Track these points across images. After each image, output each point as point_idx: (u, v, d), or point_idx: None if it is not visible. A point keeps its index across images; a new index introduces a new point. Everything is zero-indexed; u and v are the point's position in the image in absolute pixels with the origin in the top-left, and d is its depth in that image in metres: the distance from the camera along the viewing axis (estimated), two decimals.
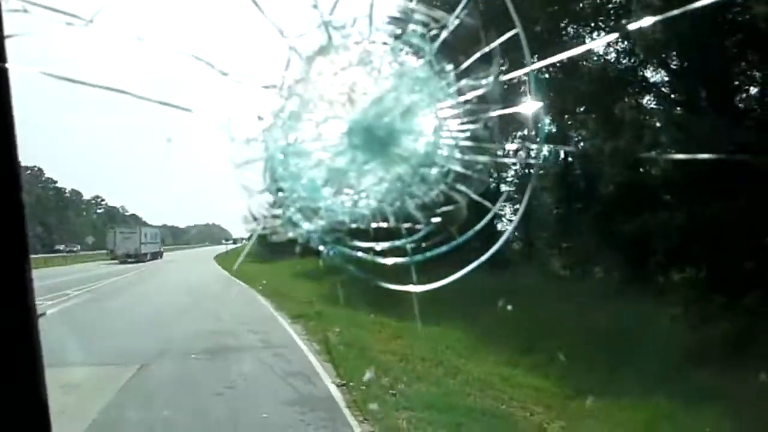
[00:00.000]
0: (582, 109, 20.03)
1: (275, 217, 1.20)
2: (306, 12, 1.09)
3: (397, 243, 1.27)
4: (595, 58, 19.83)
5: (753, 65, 15.94)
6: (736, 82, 16.47)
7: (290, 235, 1.21)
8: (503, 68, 1.15)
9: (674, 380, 12.09)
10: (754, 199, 13.97)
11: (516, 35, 1.13)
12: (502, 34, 1.12)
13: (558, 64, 22.52)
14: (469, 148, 1.18)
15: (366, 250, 1.23)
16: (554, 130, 21.17)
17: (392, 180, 1.19)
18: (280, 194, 1.19)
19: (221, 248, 75.83)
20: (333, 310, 18.82)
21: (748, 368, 11.49)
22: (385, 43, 1.14)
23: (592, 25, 19.45)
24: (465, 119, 1.17)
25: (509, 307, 14.17)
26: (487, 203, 1.23)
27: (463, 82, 1.14)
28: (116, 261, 55.17)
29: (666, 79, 19.16)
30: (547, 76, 21.79)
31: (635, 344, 13.43)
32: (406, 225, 1.24)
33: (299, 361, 12.05)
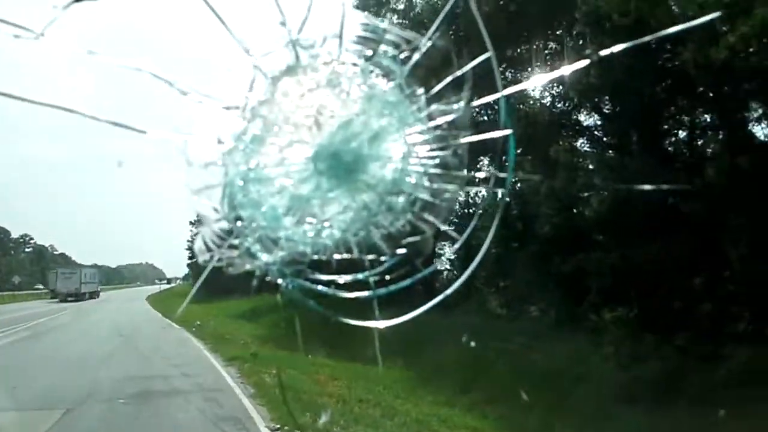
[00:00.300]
0: (519, 150, 20.38)
1: (232, 247, 1.13)
2: (273, 29, 1.03)
3: (360, 276, 1.20)
4: (532, 102, 20.31)
5: (682, 110, 16.51)
6: (666, 126, 17.01)
7: (247, 267, 1.13)
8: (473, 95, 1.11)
9: (607, 419, 12.23)
10: (683, 241, 14.36)
11: (486, 63, 1.09)
12: (474, 58, 1.08)
13: (496, 107, 22.95)
14: (438, 176, 1.13)
15: (327, 284, 1.16)
16: (493, 170, 21.45)
17: (357, 209, 1.13)
18: (239, 223, 1.12)
19: (155, 288, 74.97)
20: (269, 351, 18.54)
21: (679, 406, 11.72)
22: (355, 64, 1.09)
23: (529, 69, 19.94)
24: (434, 145, 1.12)
25: (472, 344, 14.22)
26: (454, 234, 1.18)
27: (434, 106, 1.09)
28: (56, 300, 56.82)
29: (599, 122, 19.71)
30: (485, 118, 22.17)
31: (570, 383, 13.57)
32: (370, 256, 1.17)
33: (232, 405, 11.76)
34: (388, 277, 1.21)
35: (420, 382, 15.44)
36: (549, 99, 20.87)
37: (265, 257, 1.10)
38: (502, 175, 1.13)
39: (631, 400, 13.00)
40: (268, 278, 1.15)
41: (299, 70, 1.05)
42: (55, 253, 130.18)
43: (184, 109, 1.05)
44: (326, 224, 1.12)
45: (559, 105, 20.33)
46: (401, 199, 1.12)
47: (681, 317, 14.69)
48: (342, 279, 1.16)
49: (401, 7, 24.62)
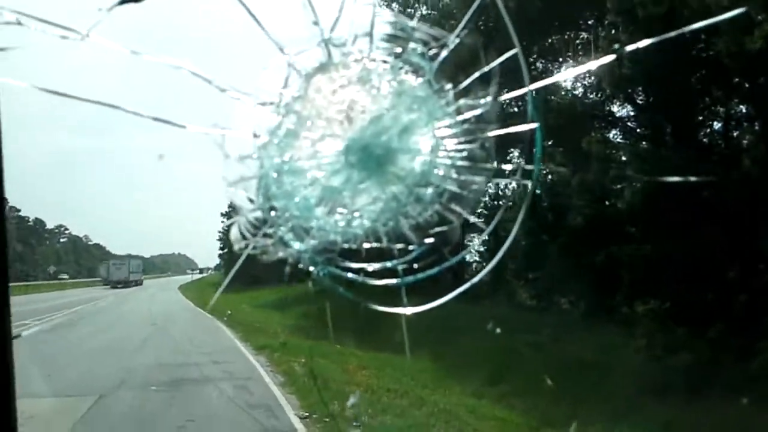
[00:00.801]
0: (550, 142, 20.28)
1: (266, 236, 1.18)
2: (306, 29, 1.07)
3: (388, 264, 1.25)
4: (563, 93, 20.15)
5: (716, 101, 16.29)
6: (700, 118, 16.80)
7: (280, 254, 1.18)
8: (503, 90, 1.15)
9: (638, 411, 12.16)
10: (717, 233, 14.20)
11: (515, 56, 1.12)
12: (501, 54, 1.11)
13: (526, 98, 22.82)
14: (465, 168, 1.17)
15: (357, 272, 1.20)
16: (522, 162, 21.37)
17: (387, 200, 1.17)
18: (273, 213, 1.17)
19: (186, 278, 76.76)
20: (299, 340, 18.67)
21: (711, 399, 11.62)
22: (384, 62, 1.13)
23: (560, 60, 19.80)
24: (462, 139, 1.16)
25: (498, 330, 14.23)
26: (482, 224, 1.21)
27: (462, 101, 1.13)
28: (108, 286, 66.53)
29: (632, 113, 19.51)
30: (516, 110, 22.06)
31: (600, 375, 13.51)
32: (399, 246, 1.22)
33: (262, 392, 11.88)
34: (416, 266, 1.25)
35: (448, 372, 15.47)
36: (581, 90, 20.72)
37: (297, 245, 1.15)
38: (529, 167, 1.16)
39: (662, 393, 12.91)
40: (300, 266, 1.19)
41: (331, 67, 1.10)
42: (89, 243, 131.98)
43: (222, 106, 1.10)
44: (356, 214, 1.17)
45: (591, 96, 20.15)
46: (429, 191, 1.16)
47: (714, 310, 14.54)
48: (371, 267, 1.20)
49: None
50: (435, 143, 1.14)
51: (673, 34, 1.29)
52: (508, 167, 1.16)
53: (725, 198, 13.75)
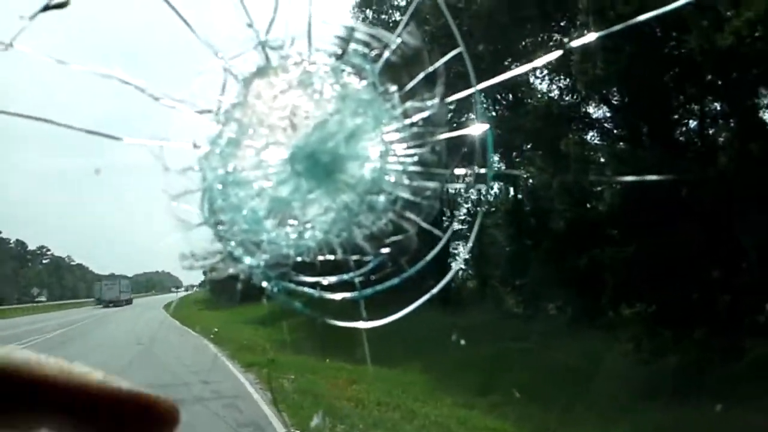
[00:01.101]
0: (529, 146, 20.36)
1: (214, 252, 1.13)
2: (241, 31, 1.02)
3: (345, 277, 1.20)
4: (539, 96, 20.25)
5: (691, 99, 16.39)
6: (676, 116, 16.90)
7: (231, 271, 1.13)
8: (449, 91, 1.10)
9: (628, 415, 12.18)
10: (698, 232, 14.27)
11: (459, 55, 1.08)
12: (446, 54, 1.07)
13: (504, 102, 22.96)
14: (417, 174, 1.12)
15: (313, 285, 1.15)
16: (503, 167, 21.43)
17: (338, 209, 1.12)
18: (220, 227, 1.11)
19: (171, 296, 77.47)
20: (287, 356, 18.58)
21: (700, 400, 11.65)
22: (326, 64, 1.08)
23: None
24: (412, 143, 1.12)
25: (462, 342, 14.18)
26: (437, 231, 1.17)
27: (408, 104, 1.08)
28: (101, 306, 71.35)
29: (608, 114, 19.62)
30: (493, 114, 22.18)
31: (589, 381, 13.51)
32: (354, 257, 1.17)
33: (252, 410, 11.80)
34: (373, 278, 1.21)
35: (438, 383, 15.43)
36: (557, 92, 20.82)
37: (248, 260, 1.10)
38: (482, 170, 1.12)
39: (652, 396, 12.95)
40: (252, 282, 1.14)
41: (270, 71, 1.05)
42: (72, 264, 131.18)
43: (158, 115, 1.06)
44: (308, 226, 1.12)
45: (567, 98, 20.25)
46: (382, 199, 1.11)
47: (699, 311, 14.60)
48: (326, 280, 1.15)
49: (403, 3, 24.62)
50: (384, 148, 1.09)
51: (628, 23, 1.26)
52: (460, 171, 1.11)
53: (704, 196, 13.84)
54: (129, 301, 76.94)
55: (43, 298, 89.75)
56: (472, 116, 1.14)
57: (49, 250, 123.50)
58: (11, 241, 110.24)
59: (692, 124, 17.16)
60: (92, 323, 39.89)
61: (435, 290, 1.24)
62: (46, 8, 0.95)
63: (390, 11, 25.96)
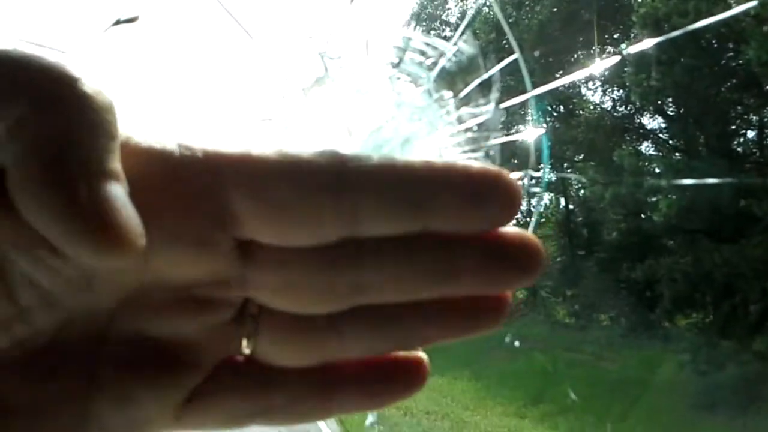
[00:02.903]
0: (581, 157, 20.20)
1: None
2: (301, 42, 1.06)
3: None
4: (592, 107, 20.08)
5: (749, 109, 16.12)
6: (733, 127, 16.63)
7: None
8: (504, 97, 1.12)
9: (685, 428, 11.94)
10: (757, 243, 13.96)
11: (510, 68, 1.10)
12: (501, 60, 1.09)
13: (555, 114, 22.82)
14: None
15: None
16: (554, 178, 21.30)
17: None
18: None
19: None
20: None
21: (761, 413, 11.37)
22: (382, 73, 1.11)
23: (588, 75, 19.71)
24: (466, 148, 1.13)
25: (516, 343, 14.08)
26: None
27: (463, 109, 1.10)
28: None
29: (663, 125, 19.38)
30: (544, 126, 22.00)
31: (644, 392, 13.31)
32: None
33: None
34: None
35: (488, 392, 15.33)
36: (610, 104, 20.63)
37: None
38: (537, 174, 1.13)
39: (711, 408, 12.69)
40: None
41: (328, 80, 1.08)
42: None
43: (220, 125, 1.10)
44: None
45: (620, 109, 20.06)
46: None
47: (759, 321, 14.29)
48: None
49: (453, 19, 24.63)
50: (438, 154, 1.11)
51: (672, 35, 1.26)
52: (516, 175, 1.12)
53: (763, 206, 13.54)
54: None
55: None
56: (522, 127, 1.15)
57: None
58: None
59: (750, 134, 16.87)
60: None
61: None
62: (117, 23, 1.00)
63: (441, 26, 26.03)
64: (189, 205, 0.41)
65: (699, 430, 11.91)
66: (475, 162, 0.49)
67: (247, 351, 0.50)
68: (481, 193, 0.45)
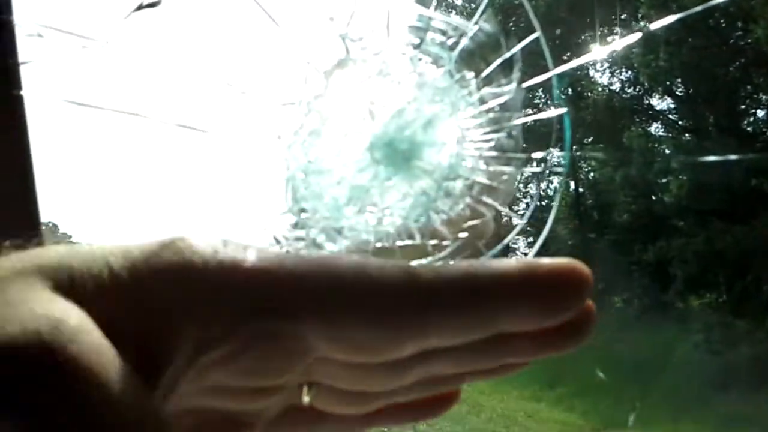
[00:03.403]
0: (590, 139, 20.09)
1: (298, 239, 1.16)
2: (322, 25, 1.06)
3: (424, 261, 1.22)
4: (600, 89, 19.97)
5: (759, 88, 16.00)
6: (743, 106, 16.51)
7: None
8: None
9: (700, 406, 11.94)
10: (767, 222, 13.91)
11: (537, 40, 1.10)
12: (522, 39, 1.09)
13: (563, 96, 22.70)
14: (494, 158, 1.14)
15: None
16: (554, 151, 21.29)
17: (416, 195, 1.14)
18: (303, 215, 1.15)
19: None
20: None
21: None
22: (403, 54, 1.11)
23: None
24: (488, 128, 1.14)
25: None
26: (515, 215, 1.18)
27: (485, 90, 1.11)
28: None
29: (672, 106, 19.24)
30: (552, 108, 21.95)
31: (659, 373, 13.30)
32: (433, 242, 1.19)
33: None
34: (451, 262, 1.22)
35: (504, 377, 15.33)
36: (618, 85, 20.50)
37: (330, 246, 1.13)
38: (558, 153, 1.13)
39: (725, 387, 12.68)
40: None
41: (350, 62, 1.08)
42: None
43: (244, 109, 1.10)
44: (387, 212, 1.15)
45: (629, 90, 19.92)
46: (459, 184, 1.13)
47: None
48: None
49: (459, 2, 24.45)
50: (461, 135, 1.11)
51: (686, 14, 1.26)
52: (538, 155, 1.13)
53: None
54: None
55: None
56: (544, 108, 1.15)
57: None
58: (71, 237, 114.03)
59: (760, 113, 16.75)
60: None
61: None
62: (140, 7, 1.01)
63: (447, 10, 25.92)
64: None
65: (714, 409, 11.90)
66: (549, 261, 0.52)
67: (306, 400, 0.53)
68: (559, 306, 0.49)
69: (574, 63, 1.18)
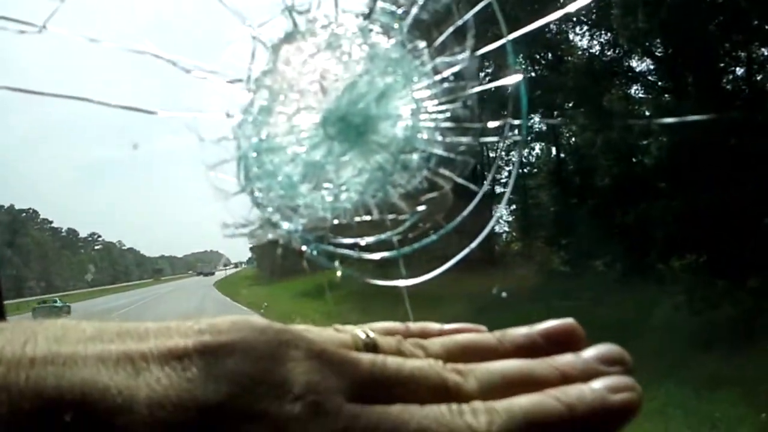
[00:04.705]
0: (570, 104, 20.08)
1: (254, 220, 1.13)
2: None
3: (383, 236, 1.20)
4: (580, 53, 19.93)
5: (738, 45, 16.00)
6: (722, 64, 16.51)
7: (270, 236, 1.14)
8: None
9: (683, 367, 12.07)
10: (748, 181, 13.96)
11: (489, 6, 1.06)
12: (475, 5, 1.06)
13: (543, 62, 22.62)
14: (450, 130, 1.11)
15: (351, 247, 1.16)
16: (544, 128, 21.22)
17: (372, 170, 1.11)
18: (256, 194, 1.12)
19: (220, 275, 79.40)
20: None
21: (757, 350, 11.49)
22: (353, 25, 1.08)
23: (574, 20, 19.54)
24: (443, 99, 1.11)
25: (504, 294, 14.15)
26: (473, 186, 1.16)
27: (438, 59, 1.07)
28: (201, 275, 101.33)
29: (652, 67, 19.24)
30: (533, 74, 21.91)
31: (642, 334, 13.41)
32: (391, 216, 1.17)
33: None
34: (410, 236, 1.20)
35: None
36: (598, 48, 20.45)
37: (286, 225, 1.10)
38: (517, 122, 1.11)
39: (707, 347, 12.82)
40: (292, 245, 1.15)
41: (298, 36, 1.05)
42: (123, 248, 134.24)
43: (191, 88, 1.06)
44: (343, 188, 1.12)
45: (608, 53, 19.89)
46: (415, 157, 1.10)
47: (753, 259, 14.35)
48: (364, 240, 1.15)
49: None
50: (415, 106, 1.08)
51: None
52: (494, 124, 1.10)
53: (753, 143, 13.52)
54: (213, 273, 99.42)
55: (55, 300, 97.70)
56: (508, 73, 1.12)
57: (100, 236, 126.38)
58: (63, 230, 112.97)
59: (739, 71, 16.77)
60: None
61: (475, 243, 1.24)
62: None
63: None
64: None
65: (697, 369, 12.03)
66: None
67: None
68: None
69: (528, 28, 1.15)
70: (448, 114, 1.11)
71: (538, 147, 26.33)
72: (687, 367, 12.05)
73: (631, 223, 16.36)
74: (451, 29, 1.09)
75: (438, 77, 1.11)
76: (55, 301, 44.67)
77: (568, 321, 0.70)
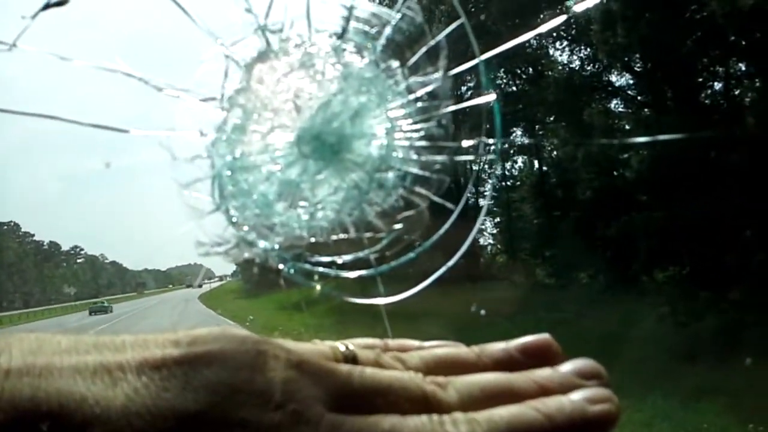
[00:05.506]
0: (551, 118, 20.23)
1: (229, 238, 1.13)
2: (240, 17, 1.03)
3: (360, 254, 1.20)
4: (560, 67, 20.09)
5: (715, 61, 16.19)
6: (700, 79, 16.70)
7: (246, 255, 1.13)
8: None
9: (668, 379, 12.11)
10: (729, 194, 14.09)
11: (462, 26, 1.07)
12: (448, 25, 1.07)
13: (524, 77, 22.81)
14: (425, 148, 1.12)
15: (328, 265, 1.16)
16: (526, 141, 21.36)
17: (348, 188, 1.12)
18: (232, 213, 1.12)
19: (204, 288, 79.37)
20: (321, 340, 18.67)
21: (741, 361, 11.55)
22: (327, 44, 1.08)
23: (554, 35, 19.71)
24: (417, 118, 1.11)
25: (482, 312, 14.25)
26: (450, 204, 1.16)
27: (412, 79, 1.08)
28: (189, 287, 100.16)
29: (631, 82, 19.44)
30: (514, 88, 22.07)
31: (627, 346, 13.45)
32: (368, 234, 1.17)
33: None
34: (388, 254, 1.20)
35: None
36: (578, 63, 20.66)
37: (262, 244, 1.10)
38: (491, 141, 1.12)
39: (692, 358, 12.88)
40: (269, 264, 1.14)
41: (271, 55, 1.05)
42: (106, 261, 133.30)
43: (164, 106, 1.06)
44: (319, 206, 1.12)
45: (588, 68, 20.09)
46: (391, 175, 1.11)
47: (735, 271, 14.46)
48: (341, 259, 1.15)
49: None
50: (390, 125, 1.09)
51: None
52: (468, 143, 1.11)
53: (732, 157, 13.66)
54: (201, 285, 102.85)
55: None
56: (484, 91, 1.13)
57: (82, 249, 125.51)
58: (45, 243, 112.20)
59: (717, 86, 16.97)
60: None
61: (452, 261, 1.24)
62: (47, 6, 0.96)
63: None
64: None
65: (682, 380, 12.07)
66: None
67: None
68: None
69: (501, 48, 1.16)
70: (422, 133, 1.11)
71: (520, 160, 26.51)
72: (672, 379, 12.09)
73: (613, 236, 16.46)
74: (424, 49, 1.09)
75: (412, 96, 1.11)
76: (104, 303, 60.93)
77: (544, 336, 0.71)
